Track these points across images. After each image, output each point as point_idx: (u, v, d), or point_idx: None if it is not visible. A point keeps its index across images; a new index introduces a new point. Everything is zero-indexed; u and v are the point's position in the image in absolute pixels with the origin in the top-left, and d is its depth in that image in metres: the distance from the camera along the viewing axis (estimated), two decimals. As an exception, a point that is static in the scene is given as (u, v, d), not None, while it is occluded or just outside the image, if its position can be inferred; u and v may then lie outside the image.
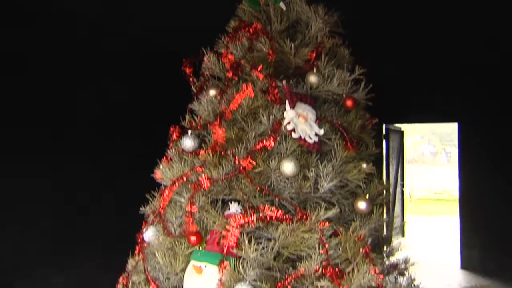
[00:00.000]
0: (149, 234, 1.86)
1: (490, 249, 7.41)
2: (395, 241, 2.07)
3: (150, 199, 1.98)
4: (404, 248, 2.05)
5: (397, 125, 9.73)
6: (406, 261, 1.96)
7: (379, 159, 8.17)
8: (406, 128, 10.64)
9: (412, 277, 1.93)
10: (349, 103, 1.91)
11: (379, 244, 1.92)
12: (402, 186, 10.35)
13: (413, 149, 40.23)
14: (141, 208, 1.97)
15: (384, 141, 8.91)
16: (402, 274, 1.93)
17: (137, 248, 1.94)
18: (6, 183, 3.29)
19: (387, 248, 1.96)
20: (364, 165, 1.85)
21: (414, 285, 1.91)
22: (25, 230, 3.41)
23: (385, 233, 1.96)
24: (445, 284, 6.82)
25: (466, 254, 7.79)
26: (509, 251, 7.18)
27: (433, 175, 26.06)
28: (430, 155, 44.29)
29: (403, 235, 9.32)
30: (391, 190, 8.18)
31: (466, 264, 7.72)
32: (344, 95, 1.94)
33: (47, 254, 3.55)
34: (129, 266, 1.97)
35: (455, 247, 8.17)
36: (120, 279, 1.98)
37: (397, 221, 7.67)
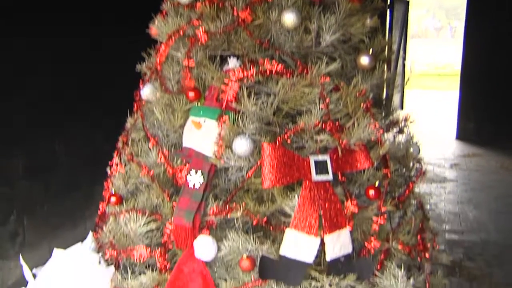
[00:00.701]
0: (146, 91, 1.83)
1: (485, 120, 7.55)
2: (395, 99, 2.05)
3: (147, 56, 1.92)
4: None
5: (402, -6, 9.34)
6: (406, 119, 1.95)
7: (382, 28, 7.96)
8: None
9: (411, 134, 1.94)
10: (355, -50, 1.77)
11: (380, 102, 1.90)
12: (404, 59, 10.22)
13: (416, 24, 39.15)
14: (137, 66, 1.92)
15: (388, 11, 8.60)
16: (402, 132, 1.94)
17: (135, 105, 1.92)
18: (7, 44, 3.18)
19: (388, 105, 1.94)
20: (369, 19, 1.76)
21: (412, 142, 1.92)
22: (25, 98, 3.38)
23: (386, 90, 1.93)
24: (440, 153, 7.01)
25: (462, 126, 7.94)
26: (503, 122, 7.31)
27: (436, 49, 25.62)
28: (434, 30, 43.19)
29: (402, 107, 9.41)
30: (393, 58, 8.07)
31: (462, 135, 7.90)
32: None
33: (47, 122, 3.56)
34: (128, 124, 1.97)
35: (452, 120, 8.29)
36: (120, 137, 1.99)
37: (396, 101, 7.66)
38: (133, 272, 1.78)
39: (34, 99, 3.43)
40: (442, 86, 14.65)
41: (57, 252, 1.91)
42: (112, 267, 1.83)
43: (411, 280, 1.65)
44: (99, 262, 1.86)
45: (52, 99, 3.60)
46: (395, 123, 1.91)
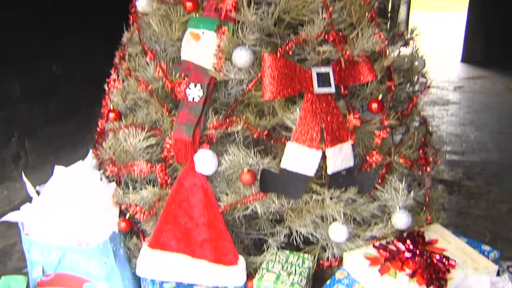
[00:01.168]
0: (142, 2, 1.75)
1: (492, 42, 7.38)
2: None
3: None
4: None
5: None
6: (412, 31, 1.88)
7: None
8: None
9: (417, 47, 1.87)
10: None
11: (385, 12, 1.82)
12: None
13: None
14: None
15: None
16: (407, 44, 1.87)
17: (131, 18, 1.84)
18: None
19: (393, 17, 1.86)
20: None
21: (417, 55, 1.86)
22: (22, 21, 3.27)
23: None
24: (445, 75, 6.90)
25: (468, 48, 7.78)
26: (511, 43, 7.16)
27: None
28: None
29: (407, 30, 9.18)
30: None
31: (467, 57, 7.76)
32: None
33: (44, 44, 3.48)
34: (125, 39, 1.90)
35: (458, 42, 8.10)
36: (117, 53, 1.93)
37: (402, 14, 7.40)
38: (134, 188, 1.79)
39: (30, 21, 3.32)
40: (449, 7, 14.23)
41: (59, 169, 1.91)
42: (113, 183, 1.83)
43: (412, 194, 1.66)
44: (101, 179, 1.87)
45: (49, 21, 3.50)
46: (400, 35, 1.84)
